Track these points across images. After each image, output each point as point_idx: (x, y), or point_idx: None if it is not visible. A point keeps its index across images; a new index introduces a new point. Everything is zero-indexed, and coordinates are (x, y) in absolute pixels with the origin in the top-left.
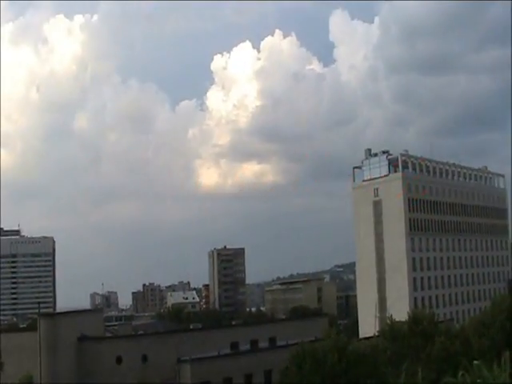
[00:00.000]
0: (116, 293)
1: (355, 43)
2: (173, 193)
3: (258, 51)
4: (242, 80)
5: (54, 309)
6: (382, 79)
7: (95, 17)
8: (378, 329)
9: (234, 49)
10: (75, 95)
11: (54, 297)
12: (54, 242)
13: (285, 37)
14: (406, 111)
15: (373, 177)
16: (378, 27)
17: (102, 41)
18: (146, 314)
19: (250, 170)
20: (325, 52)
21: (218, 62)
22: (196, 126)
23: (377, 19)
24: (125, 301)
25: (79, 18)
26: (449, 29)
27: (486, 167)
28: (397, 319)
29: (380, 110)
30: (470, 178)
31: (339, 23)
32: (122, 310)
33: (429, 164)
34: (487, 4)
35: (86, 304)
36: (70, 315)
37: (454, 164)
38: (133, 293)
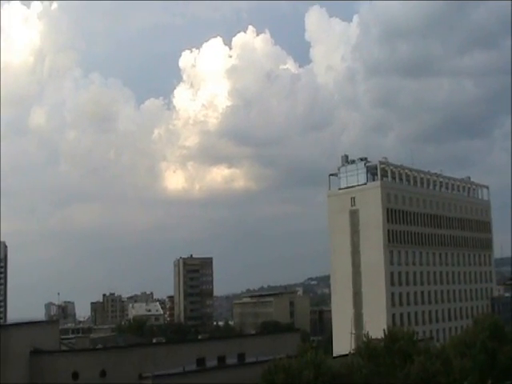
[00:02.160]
0: (73, 303)
1: (333, 43)
2: (137, 196)
3: (230, 48)
4: (212, 78)
5: (5, 320)
6: (360, 81)
7: (54, 4)
8: (353, 346)
9: (204, 45)
10: (32, 89)
11: (5, 306)
12: (5, 246)
13: (258, 34)
14: (385, 116)
15: (350, 185)
16: (358, 26)
17: (61, 31)
18: (106, 327)
19: (219, 175)
20: (300, 51)
21: (186, 59)
22: (162, 126)
23: (356, 18)
24: (83, 312)
25: (37, 5)
26: (431, 30)
27: (469, 177)
28: (373, 336)
29: (358, 114)
30: (453, 189)
31: (316, 21)
32: (80, 321)
33: (409, 173)
34: (470, 6)
35: (40, 315)
36: (22, 327)
37: (435, 174)
38: (92, 303)
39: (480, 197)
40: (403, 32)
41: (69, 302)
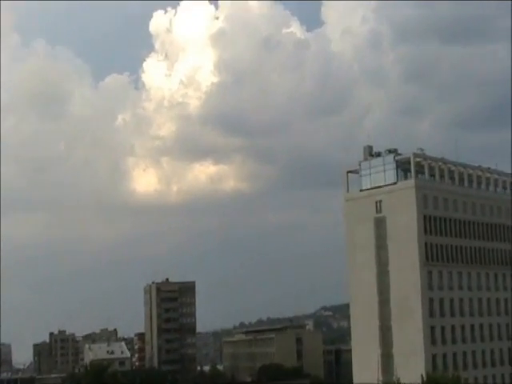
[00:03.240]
0: (10, 345)
1: None
2: (95, 203)
3: (216, 7)
4: (193, 47)
5: None
6: (387, 49)
7: None
8: None
9: (183, 3)
10: None
11: None
12: None
13: None
14: (420, 94)
15: (374, 185)
16: None
17: None
18: (54, 376)
19: (203, 173)
20: (309, 10)
21: (159, 22)
22: (128, 111)
23: None
24: (23, 356)
25: None
26: None
27: None
28: None
29: (384, 92)
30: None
31: None
32: (19, 369)
33: (453, 168)
34: None
35: None
36: None
37: (488, 169)
38: (35, 345)
39: None
40: None
41: (3, 344)
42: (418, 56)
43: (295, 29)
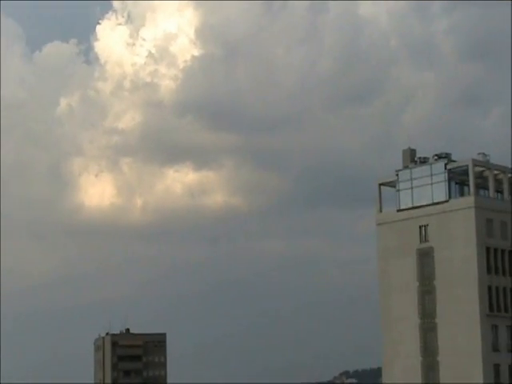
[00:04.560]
0: None
1: None
2: (25, 223)
3: None
4: (166, 7)
5: None
6: (438, 15)
7: None
8: None
9: None
10: None
11: None
12: None
13: None
14: (485, 76)
15: (418, 203)
16: None
17: None
18: None
19: (179, 182)
20: None
21: None
22: (74, 93)
23: None
24: None
25: None
26: None
27: None
28: None
29: (434, 74)
30: None
31: None
32: None
33: None
34: None
35: None
36: None
37: None
38: None
39: None
40: None
41: None
42: (483, 24)
43: None
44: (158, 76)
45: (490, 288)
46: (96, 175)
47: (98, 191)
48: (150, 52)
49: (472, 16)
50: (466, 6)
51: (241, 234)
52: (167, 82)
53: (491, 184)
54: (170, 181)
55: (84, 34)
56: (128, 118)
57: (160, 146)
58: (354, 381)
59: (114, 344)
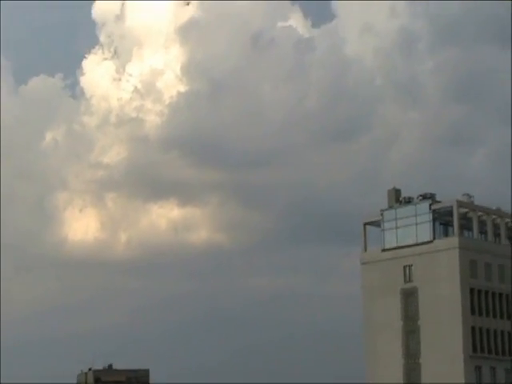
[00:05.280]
0: None
1: None
2: (8, 257)
3: None
4: (153, 42)
5: None
6: (425, 54)
7: None
8: None
9: None
10: None
11: None
12: None
13: None
14: (470, 117)
15: (402, 243)
16: None
17: None
18: None
19: (164, 218)
20: None
21: (106, 6)
22: (60, 127)
23: None
24: None
25: None
26: None
27: None
28: None
29: (419, 114)
30: None
31: None
32: None
33: None
34: None
35: None
36: None
37: None
38: None
39: None
40: None
41: None
42: (468, 65)
43: (296, 23)
44: (144, 111)
45: (473, 329)
46: (80, 210)
47: (82, 225)
48: (135, 87)
49: (457, 57)
50: (452, 47)
51: (224, 270)
52: (153, 118)
53: (475, 225)
54: (154, 216)
55: (70, 68)
56: (113, 153)
57: (145, 182)
58: None
59: (97, 380)
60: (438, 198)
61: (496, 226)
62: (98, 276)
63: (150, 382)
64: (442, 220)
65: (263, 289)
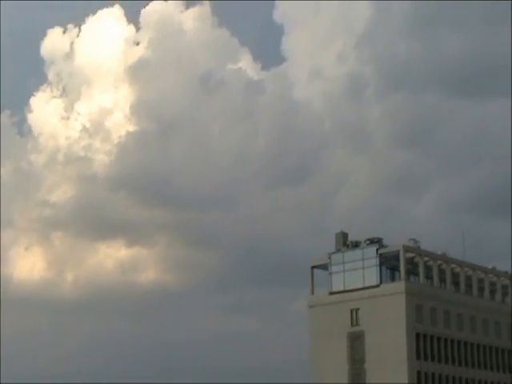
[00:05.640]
0: None
1: (323, 28)
2: None
3: (137, 28)
4: (103, 81)
5: None
6: (372, 100)
7: None
8: None
9: (90, 19)
10: None
11: None
12: None
13: (189, 4)
14: (416, 163)
15: (349, 287)
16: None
17: None
18: None
19: (111, 258)
20: (265, 40)
21: (55, 43)
22: (7, 164)
23: None
24: None
25: None
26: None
27: None
28: None
29: (367, 159)
30: None
31: None
32: None
33: (458, 270)
34: None
35: None
36: None
37: (507, 274)
38: None
39: None
40: (453, 14)
41: None
42: (415, 111)
43: (246, 65)
44: (92, 150)
45: (419, 373)
46: (26, 248)
47: (28, 264)
48: (84, 126)
49: (404, 102)
50: (399, 93)
51: (172, 311)
52: (101, 157)
53: (421, 270)
54: (101, 256)
55: (18, 106)
56: (60, 192)
57: (92, 221)
58: None
59: None
60: (384, 243)
61: (442, 272)
62: (43, 315)
63: None
64: (389, 264)
65: (211, 330)
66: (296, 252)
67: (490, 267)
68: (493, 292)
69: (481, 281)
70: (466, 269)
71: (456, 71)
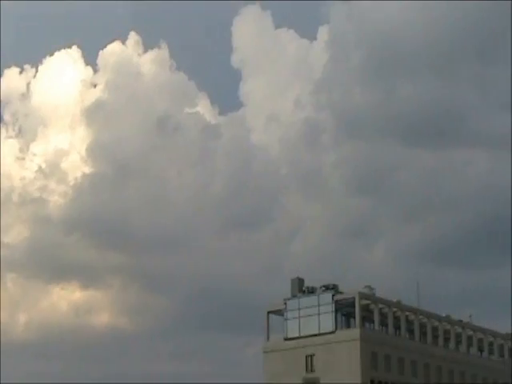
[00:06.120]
0: None
1: (280, 74)
2: None
3: (95, 69)
4: (59, 123)
5: None
6: (328, 147)
7: None
8: None
9: (48, 60)
10: None
11: None
12: None
13: (147, 47)
14: (372, 211)
15: (305, 333)
16: (327, 47)
17: None
18: None
19: (65, 300)
20: (223, 85)
21: (11, 84)
22: None
23: (323, 32)
24: None
25: None
26: (461, 63)
27: None
28: None
29: (322, 205)
30: (491, 352)
31: (251, 33)
32: None
33: (412, 317)
34: None
35: None
36: None
37: (461, 322)
38: None
39: None
40: (410, 62)
41: None
42: (371, 159)
43: (203, 109)
44: (47, 191)
45: None
46: None
47: None
48: (40, 167)
49: (361, 150)
50: (355, 140)
51: (127, 355)
52: (56, 198)
53: (376, 317)
54: (55, 298)
55: None
56: (14, 233)
57: (46, 263)
58: None
59: None
60: (340, 289)
61: (396, 319)
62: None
63: None
64: (344, 311)
65: (166, 375)
66: (251, 297)
67: (443, 315)
68: (447, 340)
69: (435, 329)
70: (421, 316)
71: (411, 119)
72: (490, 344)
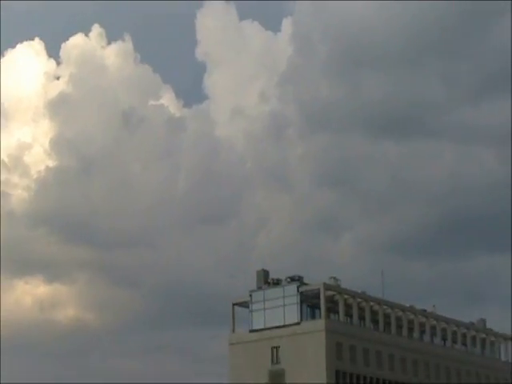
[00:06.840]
0: None
1: (242, 66)
2: None
3: (58, 62)
4: (21, 116)
5: None
6: (294, 140)
7: None
8: None
9: (9, 52)
10: None
11: None
12: None
13: (110, 40)
14: (338, 203)
15: (270, 325)
16: (291, 40)
17: None
18: None
19: (29, 295)
20: (187, 79)
21: None
22: None
23: (287, 24)
24: None
25: None
26: (427, 55)
27: (485, 320)
28: None
29: (289, 198)
30: (455, 341)
31: (215, 25)
32: None
33: (377, 308)
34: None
35: None
36: None
37: (425, 312)
38: None
39: (503, 356)
40: (375, 56)
41: None
42: (337, 152)
43: (168, 101)
44: (10, 186)
45: None
46: None
47: None
48: (2, 161)
49: (327, 143)
50: (321, 133)
51: (92, 350)
52: (19, 192)
53: (341, 308)
54: (19, 293)
55: None
56: None
57: (10, 257)
58: None
59: None
60: (305, 281)
61: (361, 310)
62: None
63: None
64: (310, 302)
65: (132, 370)
66: (217, 290)
67: (407, 305)
68: (411, 330)
69: (399, 319)
70: (385, 307)
71: (378, 112)
72: (454, 333)
